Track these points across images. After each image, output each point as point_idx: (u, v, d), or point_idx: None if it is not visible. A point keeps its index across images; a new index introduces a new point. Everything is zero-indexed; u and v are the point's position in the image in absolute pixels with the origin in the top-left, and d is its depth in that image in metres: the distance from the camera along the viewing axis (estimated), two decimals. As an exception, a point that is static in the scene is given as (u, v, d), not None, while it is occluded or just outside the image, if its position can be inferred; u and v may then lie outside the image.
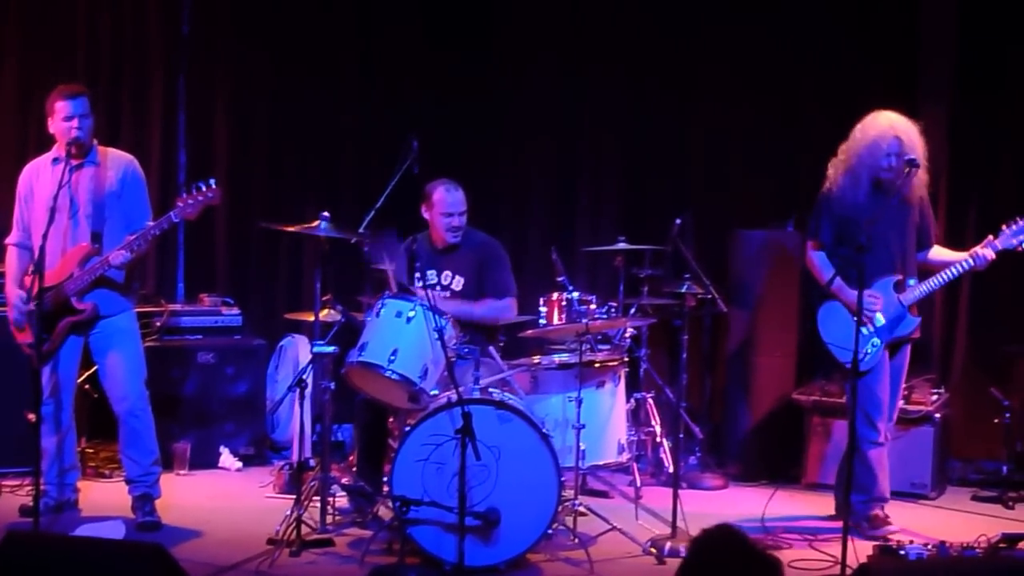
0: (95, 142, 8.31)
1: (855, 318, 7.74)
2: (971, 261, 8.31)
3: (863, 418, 8.24)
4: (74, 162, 8.13)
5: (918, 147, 8.24)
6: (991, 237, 8.33)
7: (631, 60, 11.11)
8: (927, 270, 8.50)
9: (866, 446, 8.35)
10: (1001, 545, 7.68)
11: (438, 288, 8.75)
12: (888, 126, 8.28)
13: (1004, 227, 8.30)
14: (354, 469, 8.83)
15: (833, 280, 8.33)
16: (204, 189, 8.01)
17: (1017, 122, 10.36)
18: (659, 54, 11.06)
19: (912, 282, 8.40)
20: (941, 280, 8.42)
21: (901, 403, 8.68)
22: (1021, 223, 8.26)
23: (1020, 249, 8.33)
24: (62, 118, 8.16)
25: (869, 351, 8.30)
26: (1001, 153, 10.44)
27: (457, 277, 8.80)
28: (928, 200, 8.55)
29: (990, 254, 8.29)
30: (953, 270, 8.38)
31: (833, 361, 8.48)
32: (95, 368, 8.48)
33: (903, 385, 8.61)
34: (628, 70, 11.13)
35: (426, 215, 8.83)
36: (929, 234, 8.52)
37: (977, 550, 7.56)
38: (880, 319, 8.32)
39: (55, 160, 8.25)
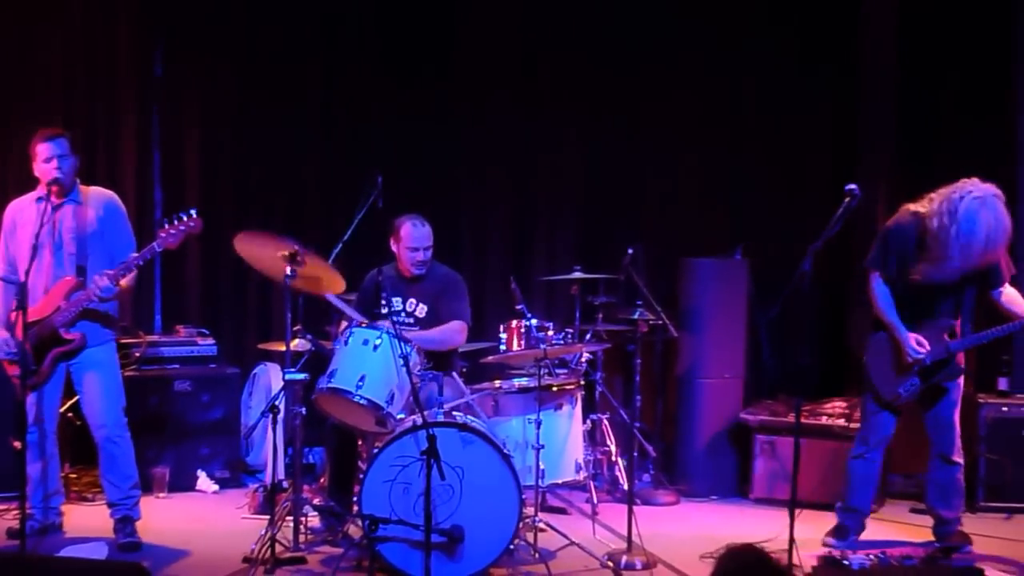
0: (77, 181, 8.38)
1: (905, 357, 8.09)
2: (1021, 326, 8.23)
3: (868, 437, 8.54)
4: (56, 201, 8.19)
5: (1007, 226, 8.05)
6: None
7: (584, 96, 11.19)
8: (995, 310, 8.45)
9: (853, 461, 8.61)
10: (938, 555, 7.83)
11: (403, 315, 8.82)
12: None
13: None
14: (325, 490, 8.88)
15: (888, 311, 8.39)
16: (185, 219, 8.04)
17: (955, 162, 10.49)
18: (611, 90, 11.14)
19: (964, 330, 8.40)
20: (992, 334, 8.31)
21: (959, 428, 8.53)
22: None
23: None
24: (43, 160, 8.20)
25: (903, 392, 8.41)
26: (939, 182, 10.55)
27: (421, 305, 8.86)
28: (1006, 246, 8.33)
29: None
30: (1005, 328, 8.30)
31: (870, 387, 8.55)
32: (77, 397, 8.52)
33: (959, 411, 8.51)
34: (581, 106, 11.21)
35: (394, 248, 8.89)
36: (999, 275, 8.31)
37: (916, 560, 7.68)
38: (922, 362, 8.35)
39: (39, 199, 8.28)
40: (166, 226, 8.05)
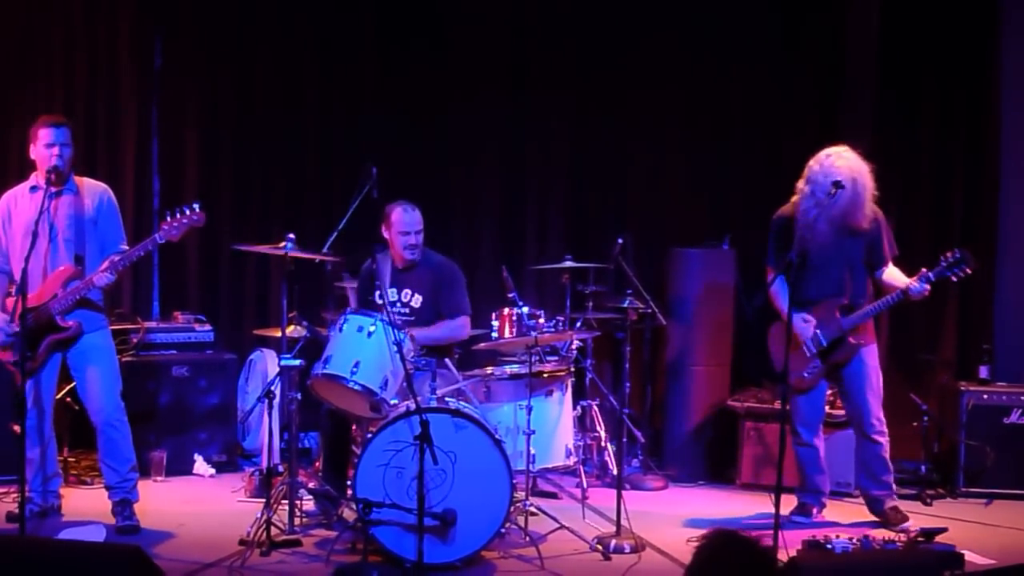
0: (72, 173, 8.32)
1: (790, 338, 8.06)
2: (903, 294, 8.36)
3: (795, 423, 8.60)
4: (53, 189, 8.11)
5: (862, 173, 8.32)
6: (924, 269, 8.32)
7: (572, 87, 11.15)
8: (880, 290, 8.57)
9: (795, 447, 8.68)
10: (919, 539, 7.80)
11: (398, 305, 8.77)
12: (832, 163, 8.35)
13: (941, 257, 8.30)
14: (320, 474, 8.84)
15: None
16: (188, 212, 8.01)
17: (932, 149, 10.50)
18: (598, 81, 11.11)
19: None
20: (876, 307, 8.48)
21: (876, 404, 8.59)
22: (955, 255, 8.26)
23: (955, 279, 8.39)
24: (44, 144, 8.14)
25: (807, 375, 8.51)
26: (920, 178, 10.57)
27: (416, 295, 8.80)
28: (885, 223, 8.55)
29: (925, 288, 8.32)
30: (888, 299, 8.45)
31: (775, 375, 8.57)
32: (75, 383, 8.47)
33: (874, 388, 8.57)
34: (569, 97, 11.17)
35: (386, 234, 8.84)
36: (881, 255, 8.50)
37: (898, 543, 7.66)
38: (817, 342, 8.45)
39: (33, 188, 8.22)
40: (168, 218, 8.01)
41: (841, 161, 8.32)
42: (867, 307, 8.47)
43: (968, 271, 8.31)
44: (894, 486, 8.71)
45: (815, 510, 8.78)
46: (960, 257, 8.25)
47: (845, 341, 8.46)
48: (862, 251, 8.50)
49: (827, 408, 8.99)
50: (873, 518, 8.67)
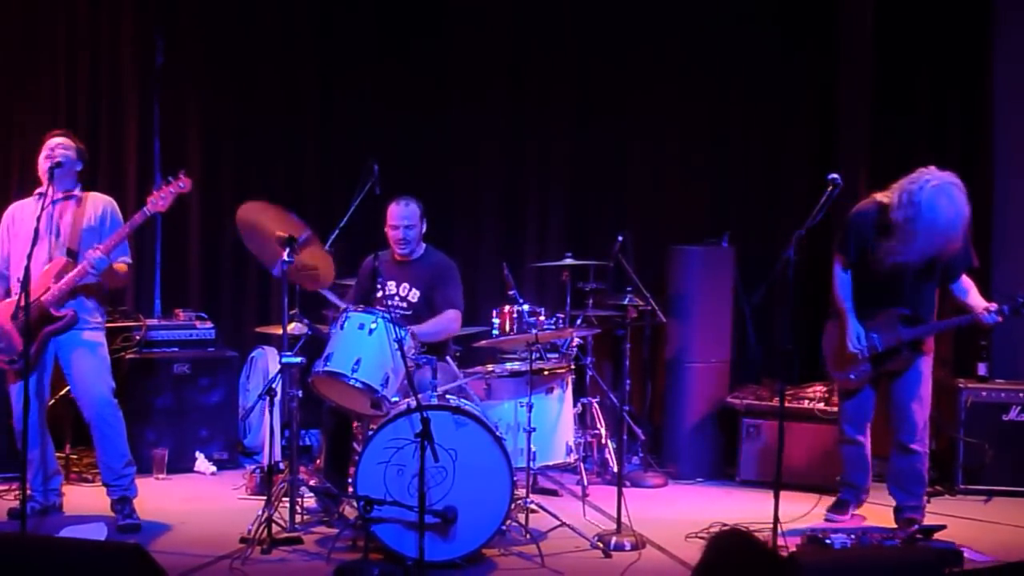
0: (79, 184, 8.34)
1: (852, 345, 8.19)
2: (972, 320, 8.28)
3: (841, 420, 8.60)
4: (58, 195, 8.12)
5: (964, 216, 8.05)
6: (997, 305, 8.21)
7: (574, 86, 11.15)
8: (947, 297, 8.44)
9: (839, 444, 8.69)
10: (918, 536, 7.78)
11: (396, 299, 8.74)
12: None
13: (1019, 294, 8.19)
14: (321, 471, 8.82)
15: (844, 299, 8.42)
16: (173, 181, 8.04)
17: (928, 149, 10.46)
18: (598, 79, 11.11)
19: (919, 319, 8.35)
20: (941, 326, 8.39)
21: (920, 415, 8.42)
22: None
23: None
24: (49, 148, 8.18)
25: (853, 377, 8.45)
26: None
27: (413, 290, 8.78)
28: (967, 235, 8.24)
29: (998, 319, 8.21)
30: (956, 320, 8.38)
31: (827, 372, 8.71)
32: (67, 380, 8.45)
33: (922, 399, 8.41)
34: (571, 95, 11.17)
35: (385, 229, 8.84)
36: (957, 268, 8.29)
37: (896, 540, 7.64)
38: (872, 347, 8.35)
39: (40, 194, 8.21)
40: (154, 191, 8.02)
41: (946, 203, 7.94)
42: (931, 323, 8.33)
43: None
44: (925, 501, 8.56)
45: (852, 506, 8.75)
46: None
47: (902, 352, 8.32)
48: (940, 269, 8.28)
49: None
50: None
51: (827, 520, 8.61)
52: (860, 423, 8.62)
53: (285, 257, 8.01)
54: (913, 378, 8.40)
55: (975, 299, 8.36)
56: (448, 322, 8.72)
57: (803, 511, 8.72)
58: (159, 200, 8.02)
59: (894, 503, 8.57)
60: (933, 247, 8.02)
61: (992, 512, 9.10)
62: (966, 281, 8.39)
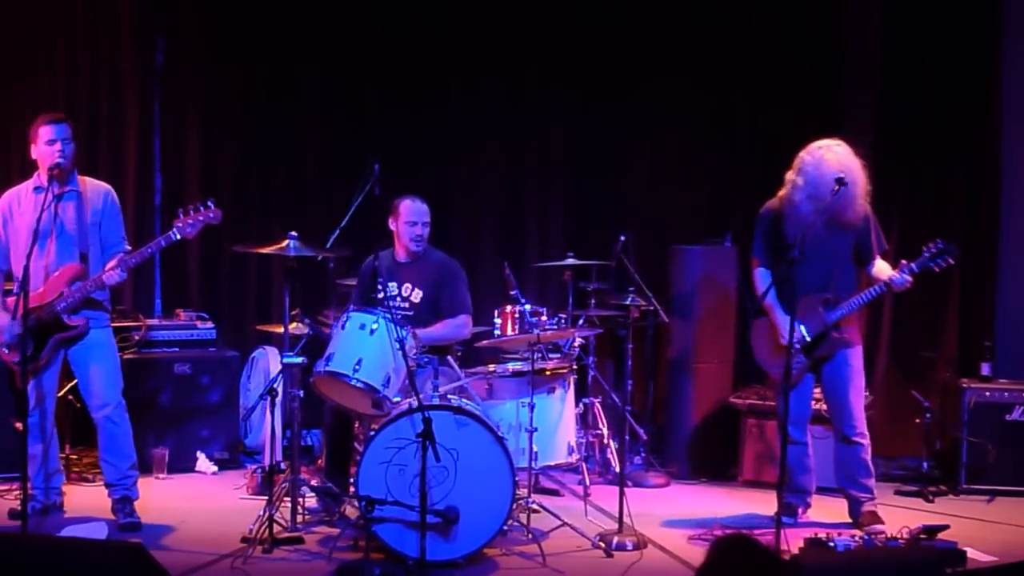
0: (75, 171, 8.30)
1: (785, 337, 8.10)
2: (885, 286, 8.33)
3: (784, 423, 8.43)
4: (56, 191, 8.10)
5: (854, 169, 8.27)
6: (905, 261, 8.28)
7: (574, 84, 11.14)
8: (869, 284, 8.50)
9: (783, 446, 8.51)
10: (922, 536, 7.78)
11: (398, 299, 8.74)
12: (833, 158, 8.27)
13: (924, 248, 8.24)
14: (322, 471, 8.82)
15: (766, 294, 8.44)
16: (203, 210, 8.02)
17: (934, 144, 10.49)
18: (598, 77, 11.09)
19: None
20: (859, 300, 8.39)
21: (857, 406, 8.51)
22: (938, 245, 8.20)
23: (938, 270, 8.32)
24: (45, 142, 8.11)
25: (794, 369, 8.41)
26: (922, 174, 10.55)
27: (416, 290, 8.77)
28: (873, 217, 8.45)
29: (907, 279, 8.27)
30: (870, 292, 8.40)
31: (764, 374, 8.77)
32: (77, 379, 8.46)
33: (856, 390, 8.49)
34: (572, 94, 11.15)
35: (392, 226, 8.79)
36: (870, 250, 8.42)
37: (900, 541, 7.65)
38: (800, 337, 8.38)
39: (36, 188, 8.20)
40: (181, 216, 8.01)
41: (831, 155, 8.26)
42: (850, 300, 8.39)
43: (951, 261, 8.25)
44: (874, 490, 8.59)
45: (800, 510, 8.72)
46: (943, 248, 8.18)
47: (828, 336, 8.39)
48: (850, 247, 8.42)
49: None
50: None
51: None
52: (801, 422, 8.61)
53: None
54: (845, 372, 8.46)
55: (886, 271, 8.41)
56: (459, 327, 8.73)
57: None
58: (187, 227, 8.02)
59: (845, 496, 8.60)
60: (821, 197, 8.18)
61: (995, 512, 9.10)
62: (880, 263, 8.50)
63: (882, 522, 8.39)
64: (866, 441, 8.51)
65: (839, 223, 8.32)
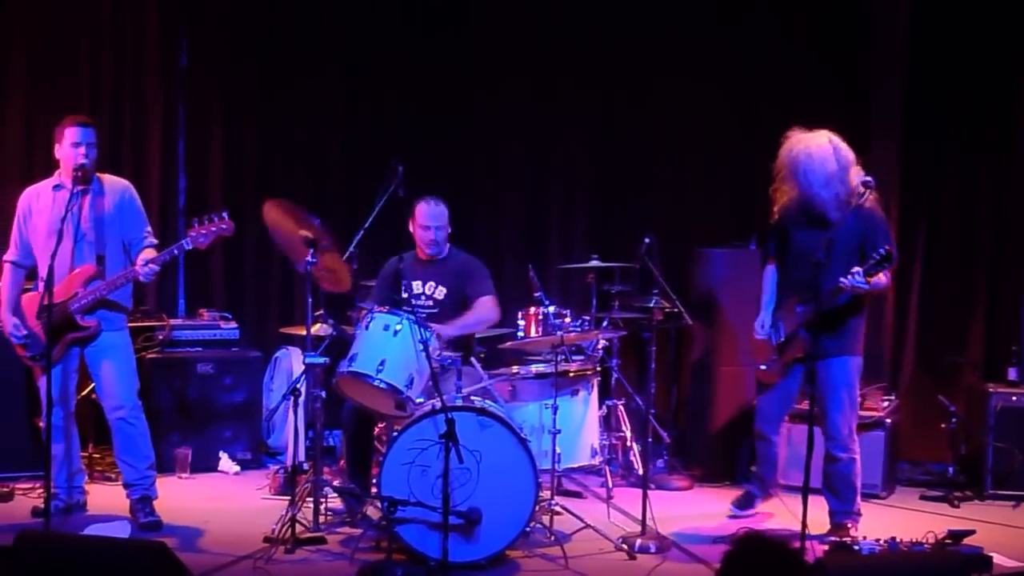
0: (96, 171, 8.33)
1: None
2: (837, 288, 7.99)
3: (758, 418, 8.66)
4: (78, 189, 8.13)
5: (797, 160, 8.27)
6: (857, 268, 7.94)
7: (598, 86, 11.15)
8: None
9: (754, 439, 8.81)
10: (947, 541, 7.76)
11: (422, 297, 8.75)
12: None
13: (871, 254, 7.94)
14: (344, 472, 8.83)
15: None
16: (217, 220, 8.04)
17: (962, 147, 10.45)
18: (624, 80, 11.09)
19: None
20: (820, 302, 7.94)
21: (839, 420, 8.30)
22: (880, 252, 7.88)
23: (876, 279, 8.02)
24: (70, 144, 8.16)
25: (764, 368, 8.54)
26: (949, 180, 10.50)
27: (440, 287, 8.79)
28: (881, 228, 8.25)
29: (860, 283, 7.91)
30: (825, 292, 7.95)
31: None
32: (92, 380, 8.49)
33: (842, 403, 8.30)
34: (596, 96, 11.16)
35: (411, 229, 8.83)
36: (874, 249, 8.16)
37: (925, 546, 7.63)
38: (775, 337, 8.47)
39: (57, 187, 8.26)
40: (196, 225, 8.04)
41: (801, 147, 8.27)
42: (813, 303, 8.03)
43: (892, 267, 8.06)
44: (857, 507, 8.40)
45: (758, 500, 8.82)
46: (885, 255, 7.90)
47: (798, 335, 8.30)
48: (833, 244, 7.95)
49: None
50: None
51: (730, 515, 8.75)
52: (772, 420, 8.61)
53: (309, 258, 8.02)
54: (827, 383, 8.28)
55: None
56: (487, 310, 8.73)
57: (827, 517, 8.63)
58: (200, 237, 8.05)
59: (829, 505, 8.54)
60: (795, 183, 8.24)
61: (1021, 517, 9.09)
62: None
63: (851, 536, 8.14)
64: (847, 456, 8.32)
65: (818, 219, 8.21)
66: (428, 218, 8.76)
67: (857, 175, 8.17)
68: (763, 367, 8.53)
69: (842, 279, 7.97)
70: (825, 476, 8.45)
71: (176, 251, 8.13)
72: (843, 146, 8.24)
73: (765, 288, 8.64)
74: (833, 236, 7.94)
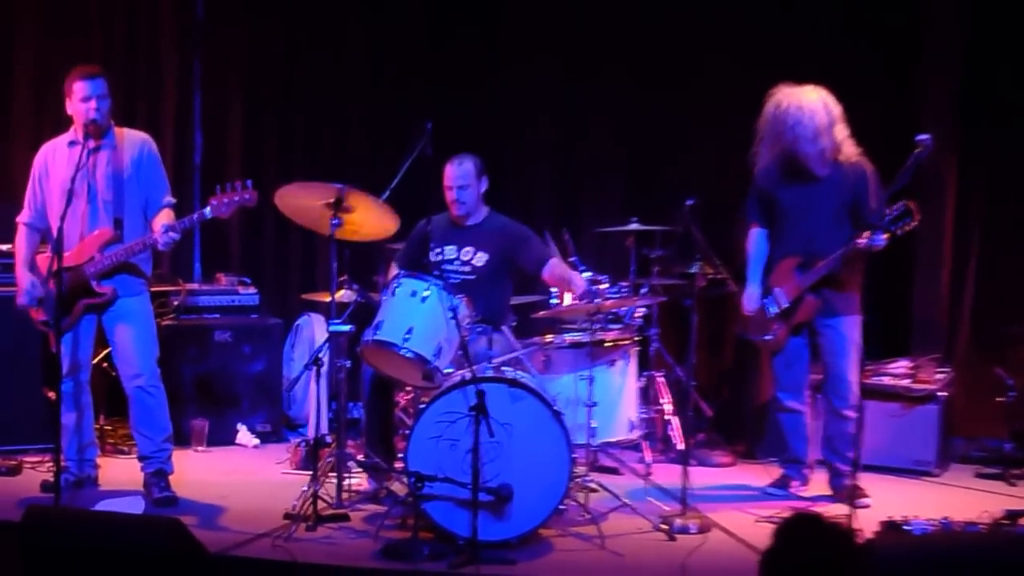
0: (112, 124, 8.33)
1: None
2: (852, 246, 8.19)
3: (775, 387, 8.79)
4: (92, 144, 8.14)
5: (781, 113, 8.38)
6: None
7: (635, 42, 11.08)
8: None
9: (775, 412, 8.89)
10: (1004, 521, 7.74)
11: (457, 263, 8.74)
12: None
13: (887, 210, 8.07)
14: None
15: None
16: (240, 189, 8.03)
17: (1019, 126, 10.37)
18: (664, 36, 11.02)
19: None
20: (829, 262, 8.29)
21: (853, 379, 8.47)
22: (900, 207, 8.04)
23: (900, 234, 8.17)
24: (80, 99, 8.16)
25: (769, 338, 8.62)
26: (1008, 144, 10.42)
27: (480, 253, 8.73)
28: (873, 176, 8.39)
29: (878, 240, 8.06)
30: (839, 252, 8.25)
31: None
32: (109, 347, 8.52)
33: (851, 361, 8.47)
34: (633, 52, 11.10)
35: (444, 191, 8.88)
36: (865, 210, 8.32)
37: (980, 526, 7.61)
38: (778, 303, 8.55)
39: (71, 143, 8.26)
40: (217, 193, 8.02)
41: (792, 98, 8.40)
42: (820, 264, 8.33)
43: (914, 223, 8.12)
44: (858, 464, 8.44)
45: (796, 483, 8.82)
46: (904, 210, 8.05)
47: (804, 300, 8.43)
48: (832, 202, 8.36)
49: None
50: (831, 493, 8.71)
51: (766, 494, 8.82)
52: (794, 388, 8.72)
53: (334, 220, 8.02)
54: (838, 343, 8.49)
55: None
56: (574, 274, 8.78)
57: (881, 495, 8.63)
58: (221, 206, 8.03)
59: (827, 467, 8.70)
60: (781, 139, 8.37)
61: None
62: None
63: (866, 495, 8.38)
64: (855, 415, 8.42)
65: (803, 174, 8.37)
66: (450, 178, 8.74)
67: (842, 131, 8.35)
68: (768, 338, 8.63)
69: (858, 240, 8.12)
70: (828, 438, 8.65)
71: (196, 219, 8.13)
72: (832, 100, 8.38)
73: (751, 256, 8.73)
74: (822, 191, 8.23)
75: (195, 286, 10.37)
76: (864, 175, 8.38)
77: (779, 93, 8.43)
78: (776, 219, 8.59)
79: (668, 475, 8.95)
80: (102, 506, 7.86)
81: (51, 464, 7.83)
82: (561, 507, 7.72)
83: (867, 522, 7.54)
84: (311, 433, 8.96)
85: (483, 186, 8.78)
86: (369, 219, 8.23)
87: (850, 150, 8.35)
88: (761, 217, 8.71)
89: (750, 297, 8.65)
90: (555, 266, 8.68)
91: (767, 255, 8.68)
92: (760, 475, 9.33)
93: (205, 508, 8.21)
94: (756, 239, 8.75)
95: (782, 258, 8.53)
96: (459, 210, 8.75)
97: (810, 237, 8.43)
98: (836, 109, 8.36)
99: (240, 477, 9.09)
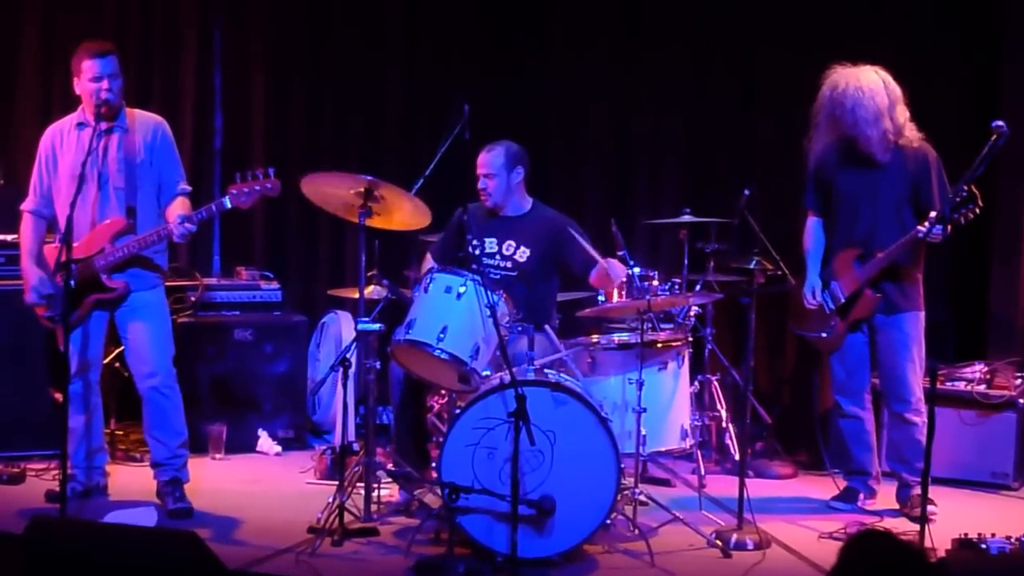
0: (123, 104, 8.30)
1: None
2: (913, 235, 8.18)
3: (833, 391, 8.77)
4: (103, 127, 8.11)
5: (841, 94, 8.37)
6: (933, 213, 8.10)
7: (694, 28, 11.06)
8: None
9: (836, 419, 8.89)
10: (1091, 540, 7.66)
11: (497, 257, 8.70)
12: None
13: (952, 197, 8.06)
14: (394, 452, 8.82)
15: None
16: (261, 178, 8.00)
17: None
18: (722, 22, 10.99)
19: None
20: (889, 254, 8.31)
21: (913, 380, 8.51)
22: (963, 192, 7.98)
23: (963, 222, 8.13)
24: (89, 78, 8.12)
25: (826, 335, 8.62)
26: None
27: (522, 248, 8.70)
28: (937, 164, 8.38)
29: (937, 230, 8.06)
30: (900, 243, 8.26)
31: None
32: (122, 344, 8.50)
33: (912, 361, 8.49)
34: (690, 38, 11.07)
35: None
36: (929, 198, 8.30)
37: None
38: (835, 298, 8.56)
39: (80, 124, 8.24)
40: (237, 181, 8.00)
41: (849, 80, 8.38)
42: (879, 256, 8.34)
43: (977, 211, 8.08)
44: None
45: (862, 496, 8.79)
46: (968, 195, 8.01)
47: (863, 294, 8.42)
48: (893, 191, 8.38)
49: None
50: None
51: (831, 507, 8.78)
52: (854, 391, 8.72)
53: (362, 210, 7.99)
54: (896, 339, 8.50)
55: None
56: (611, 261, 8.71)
57: (954, 509, 8.60)
58: (241, 196, 8.02)
59: (896, 478, 8.68)
60: (840, 122, 8.37)
61: None
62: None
63: (932, 503, 8.25)
64: (920, 419, 8.45)
65: (864, 160, 8.39)
66: (479, 165, 8.74)
67: (903, 112, 8.35)
68: (823, 335, 8.62)
69: (919, 227, 8.14)
70: (894, 445, 8.71)
71: (214, 209, 8.11)
72: (891, 80, 8.38)
73: (809, 247, 8.74)
74: (883, 178, 8.28)
75: (214, 280, 10.36)
76: (927, 161, 8.37)
77: (835, 74, 8.42)
78: (833, 208, 8.61)
79: (723, 487, 8.98)
80: (112, 517, 7.86)
81: (57, 472, 7.83)
82: (608, 522, 7.71)
83: (940, 539, 7.48)
84: (337, 440, 8.97)
85: (516, 176, 8.73)
86: (402, 208, 8.18)
87: (912, 134, 8.38)
88: (817, 206, 8.73)
89: (811, 289, 8.63)
90: (600, 268, 8.62)
91: (824, 246, 8.67)
92: (823, 487, 9.27)
93: (223, 520, 8.19)
94: (813, 229, 8.76)
95: (840, 249, 8.54)
96: (486, 200, 8.72)
97: (870, 227, 8.45)
98: (896, 90, 8.36)
99: (261, 487, 9.09)
